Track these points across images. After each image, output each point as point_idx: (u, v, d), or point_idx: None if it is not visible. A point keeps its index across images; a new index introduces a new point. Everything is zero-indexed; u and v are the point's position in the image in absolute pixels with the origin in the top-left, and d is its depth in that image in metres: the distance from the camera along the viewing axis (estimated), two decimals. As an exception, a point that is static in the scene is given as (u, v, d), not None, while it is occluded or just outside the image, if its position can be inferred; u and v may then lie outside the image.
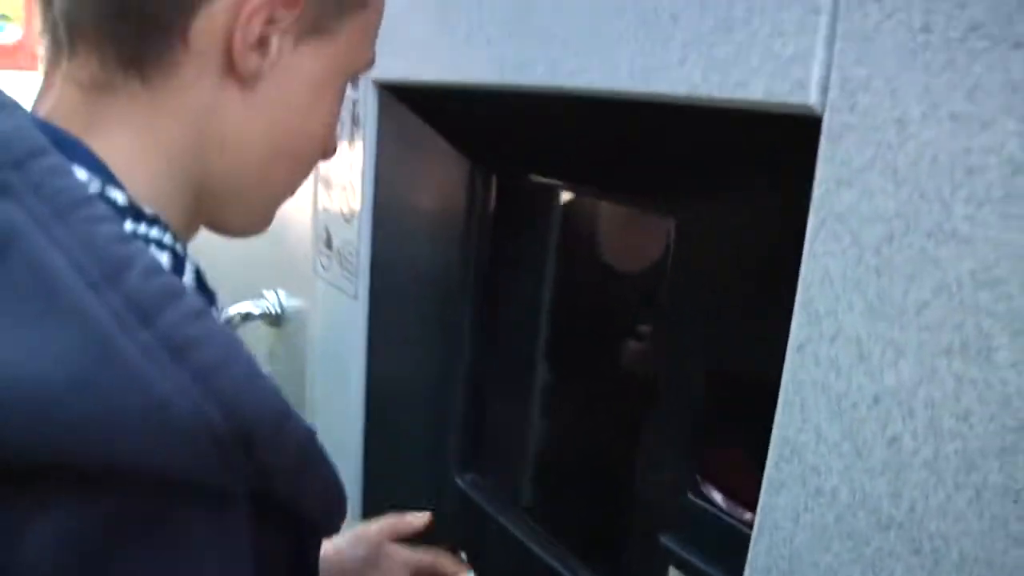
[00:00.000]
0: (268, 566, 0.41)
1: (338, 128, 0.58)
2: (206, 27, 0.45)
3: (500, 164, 1.06)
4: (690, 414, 0.81)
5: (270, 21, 0.47)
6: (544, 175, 0.99)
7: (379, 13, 0.55)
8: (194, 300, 0.37)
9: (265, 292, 1.25)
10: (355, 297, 1.04)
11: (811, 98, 0.50)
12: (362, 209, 1.02)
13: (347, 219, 1.04)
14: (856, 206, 0.48)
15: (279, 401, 0.38)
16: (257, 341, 1.32)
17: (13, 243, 0.35)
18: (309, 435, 0.40)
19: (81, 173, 0.41)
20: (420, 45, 0.90)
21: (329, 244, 1.09)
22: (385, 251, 1.03)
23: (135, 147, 0.46)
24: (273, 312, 1.23)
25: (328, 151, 0.57)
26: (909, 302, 0.45)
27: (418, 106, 1.02)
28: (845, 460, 0.48)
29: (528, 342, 1.04)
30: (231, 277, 1.56)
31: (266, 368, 0.38)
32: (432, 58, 0.88)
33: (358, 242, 1.02)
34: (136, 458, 0.34)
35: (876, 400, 0.47)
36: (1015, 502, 0.41)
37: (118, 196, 0.42)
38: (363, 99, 1.02)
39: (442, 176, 1.06)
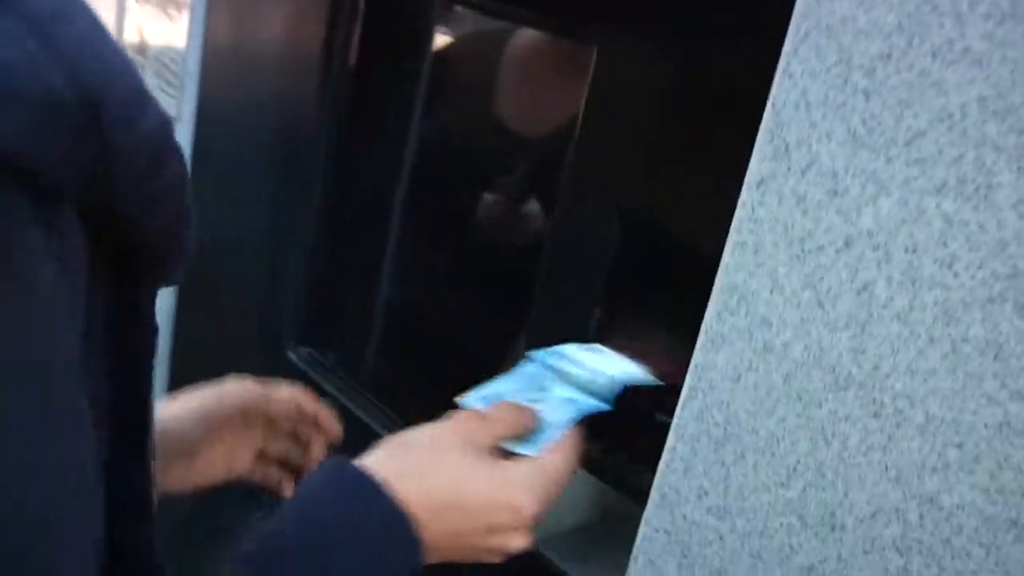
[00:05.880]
0: (95, 298, 0.35)
1: None
2: None
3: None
4: (589, 272, 0.74)
5: None
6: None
7: None
8: None
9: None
10: (178, 119, 0.88)
11: None
12: (195, 2, 0.84)
13: (170, 15, 0.86)
14: (852, 17, 0.41)
15: (136, 79, 0.33)
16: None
17: None
18: (166, 123, 0.35)
19: None
20: None
21: (143, 49, 0.91)
22: (222, 63, 0.86)
23: None
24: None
25: None
26: (900, 131, 0.39)
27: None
28: (803, 311, 0.43)
29: (385, 193, 0.92)
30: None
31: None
32: None
33: (186, 47, 0.85)
34: None
35: (848, 243, 0.41)
36: (995, 358, 0.37)
37: None
38: None
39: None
